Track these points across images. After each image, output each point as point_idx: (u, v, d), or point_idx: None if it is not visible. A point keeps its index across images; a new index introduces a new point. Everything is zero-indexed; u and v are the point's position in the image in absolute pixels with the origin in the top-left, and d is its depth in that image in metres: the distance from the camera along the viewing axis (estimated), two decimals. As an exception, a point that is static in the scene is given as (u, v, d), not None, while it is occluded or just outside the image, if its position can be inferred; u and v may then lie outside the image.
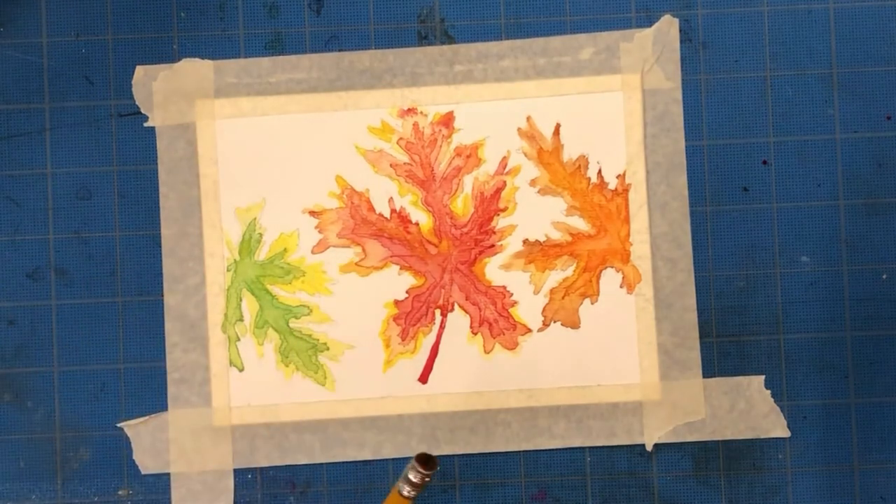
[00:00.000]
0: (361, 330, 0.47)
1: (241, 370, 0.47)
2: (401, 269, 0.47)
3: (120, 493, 0.47)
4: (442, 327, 0.47)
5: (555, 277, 0.47)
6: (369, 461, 0.47)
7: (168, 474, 0.47)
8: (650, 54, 0.47)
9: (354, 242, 0.48)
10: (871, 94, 0.48)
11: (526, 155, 0.48)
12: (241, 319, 0.47)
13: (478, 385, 0.47)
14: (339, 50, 0.48)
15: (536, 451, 0.47)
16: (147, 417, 0.47)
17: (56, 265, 0.48)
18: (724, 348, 0.47)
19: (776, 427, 0.47)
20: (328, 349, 0.47)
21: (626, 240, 0.47)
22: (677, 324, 0.47)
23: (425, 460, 0.40)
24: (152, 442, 0.47)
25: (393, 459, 0.47)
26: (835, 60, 0.48)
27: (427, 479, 0.40)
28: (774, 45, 0.48)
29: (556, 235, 0.47)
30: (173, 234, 0.47)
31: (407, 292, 0.47)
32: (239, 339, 0.47)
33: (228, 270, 0.47)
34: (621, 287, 0.47)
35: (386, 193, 0.48)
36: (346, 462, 0.47)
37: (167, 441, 0.47)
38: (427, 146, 0.48)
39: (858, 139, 0.48)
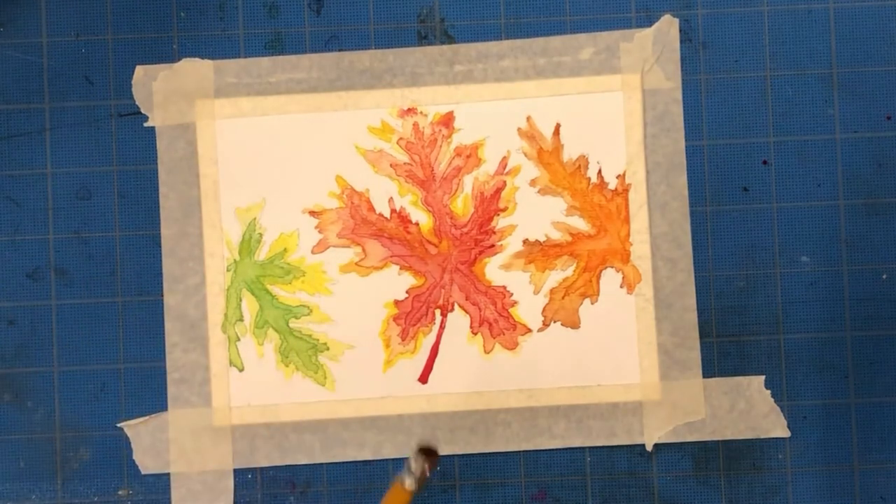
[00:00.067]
0: (361, 330, 0.47)
1: (241, 370, 0.47)
2: (401, 269, 0.47)
3: (120, 493, 0.47)
4: (442, 327, 0.47)
5: (555, 277, 0.47)
6: (369, 461, 0.47)
7: (168, 474, 0.47)
8: (650, 54, 0.47)
9: (354, 242, 0.48)
10: (871, 94, 0.48)
11: (526, 155, 0.48)
12: (241, 319, 0.47)
13: (478, 385, 0.47)
14: (339, 50, 0.48)
15: (536, 451, 0.47)
16: (147, 417, 0.47)
17: (56, 265, 0.48)
18: (724, 348, 0.47)
19: (776, 427, 0.47)
20: (328, 349, 0.47)
21: (626, 240, 0.47)
22: (677, 324, 0.47)
23: (427, 452, 0.40)
24: (152, 442, 0.47)
25: (393, 459, 0.47)
26: (835, 60, 0.48)
27: (429, 471, 0.40)
28: (774, 45, 0.48)
29: (556, 235, 0.47)
30: (173, 234, 0.47)
31: (407, 292, 0.47)
32: (239, 339, 0.47)
33: (228, 270, 0.47)
34: (621, 287, 0.47)
35: (386, 193, 0.48)
36: (346, 462, 0.47)
37: (167, 441, 0.47)
38: (427, 146, 0.48)
39: (858, 139, 0.48)
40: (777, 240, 0.48)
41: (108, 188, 0.48)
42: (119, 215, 0.48)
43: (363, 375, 0.47)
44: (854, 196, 0.48)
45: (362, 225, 0.48)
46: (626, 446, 0.47)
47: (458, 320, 0.47)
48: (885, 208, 0.48)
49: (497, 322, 0.47)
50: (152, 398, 0.47)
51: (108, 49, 0.48)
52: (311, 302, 0.47)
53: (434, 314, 0.47)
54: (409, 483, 0.40)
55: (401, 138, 0.48)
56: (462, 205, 0.48)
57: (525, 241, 0.47)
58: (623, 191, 0.47)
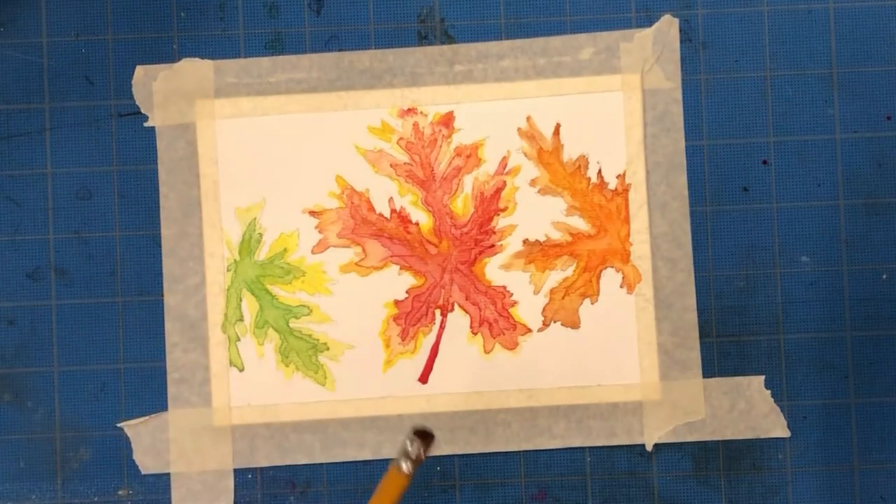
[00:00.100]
0: (361, 330, 0.47)
1: (241, 370, 0.47)
2: (401, 269, 0.47)
3: (120, 493, 0.47)
4: (442, 327, 0.47)
5: (555, 277, 0.47)
6: (369, 461, 0.47)
7: (168, 474, 0.47)
8: (650, 54, 0.47)
9: (354, 242, 0.48)
10: (871, 94, 0.48)
11: (526, 155, 0.48)
12: (241, 319, 0.47)
13: (478, 385, 0.47)
14: (339, 50, 0.48)
15: (536, 451, 0.47)
16: (147, 417, 0.47)
17: (56, 265, 0.48)
18: (724, 348, 0.47)
19: (776, 427, 0.47)
20: (328, 349, 0.47)
21: (626, 240, 0.47)
22: (677, 324, 0.47)
23: (422, 435, 0.40)
24: (152, 442, 0.47)
25: (393, 459, 0.47)
26: (835, 60, 0.48)
27: (425, 453, 0.40)
28: (774, 45, 0.48)
29: (556, 235, 0.47)
30: (173, 234, 0.47)
31: (407, 292, 0.47)
32: (239, 339, 0.47)
33: (228, 270, 0.47)
34: (621, 287, 0.47)
35: (386, 193, 0.48)
36: (346, 462, 0.47)
37: (167, 441, 0.47)
38: (427, 146, 0.48)
39: (858, 139, 0.48)
40: (777, 240, 0.48)
41: (108, 188, 0.48)
42: (119, 215, 0.48)
43: (363, 375, 0.47)
44: (854, 196, 0.48)
45: (362, 225, 0.48)
46: (626, 446, 0.47)
47: (458, 320, 0.47)
48: (885, 208, 0.48)
49: (497, 322, 0.47)
50: (152, 398, 0.47)
51: (108, 49, 0.48)
52: (311, 302, 0.47)
53: (434, 314, 0.47)
54: (405, 467, 0.40)
55: (401, 138, 0.48)
56: (462, 205, 0.48)
57: (525, 241, 0.47)
58: (623, 191, 0.47)
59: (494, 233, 0.47)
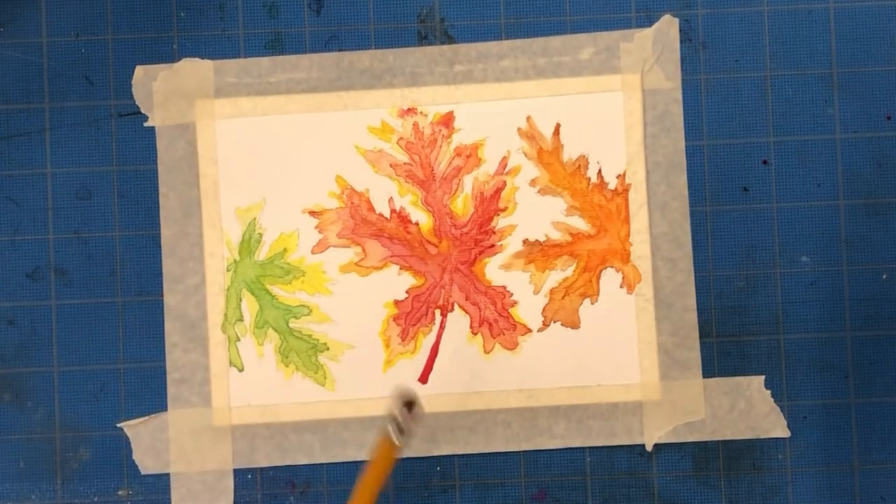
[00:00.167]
0: (361, 330, 0.47)
1: (241, 370, 0.47)
2: (401, 269, 0.47)
3: (120, 493, 0.47)
4: (442, 327, 0.47)
5: (555, 277, 0.47)
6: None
7: (168, 474, 0.47)
8: (650, 54, 0.47)
9: (354, 242, 0.48)
10: (871, 94, 0.48)
11: (526, 155, 0.48)
12: (241, 319, 0.47)
13: (478, 385, 0.47)
14: (339, 50, 0.48)
15: (536, 451, 0.47)
16: (147, 417, 0.47)
17: (56, 265, 0.48)
18: (724, 348, 0.47)
19: (776, 427, 0.47)
20: (328, 349, 0.47)
21: (626, 240, 0.47)
22: (677, 324, 0.47)
23: (409, 404, 0.39)
24: (152, 442, 0.47)
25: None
26: (835, 60, 0.48)
27: (414, 423, 0.39)
28: (774, 45, 0.48)
29: (556, 235, 0.47)
30: (173, 234, 0.47)
31: (407, 292, 0.47)
32: (239, 340, 0.47)
33: (228, 270, 0.47)
34: (621, 287, 0.47)
35: (386, 193, 0.48)
36: (346, 462, 0.47)
37: (167, 441, 0.47)
38: (427, 146, 0.48)
39: (858, 139, 0.48)
40: (777, 240, 0.48)
41: (108, 188, 0.48)
42: (119, 215, 0.48)
43: (363, 375, 0.47)
44: (854, 196, 0.48)
45: (362, 225, 0.48)
46: (626, 446, 0.47)
47: (458, 320, 0.47)
48: (885, 208, 0.48)
49: (497, 322, 0.47)
50: (152, 398, 0.47)
51: (108, 49, 0.48)
52: (311, 302, 0.47)
53: (434, 314, 0.47)
54: (396, 437, 0.39)
55: (401, 138, 0.48)
56: (462, 205, 0.48)
57: (525, 241, 0.47)
58: (623, 191, 0.47)
59: (494, 233, 0.47)
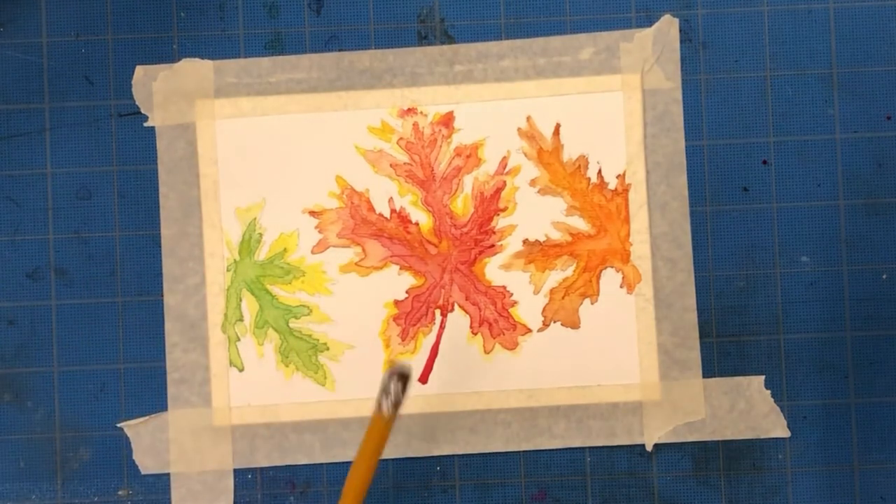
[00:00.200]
0: (361, 330, 0.47)
1: (241, 370, 0.47)
2: (401, 269, 0.47)
3: (120, 493, 0.47)
4: (442, 327, 0.47)
5: (555, 277, 0.47)
6: (369, 461, 0.47)
7: (168, 474, 0.47)
8: (650, 54, 0.47)
9: (354, 242, 0.48)
10: (871, 94, 0.48)
11: (526, 155, 0.48)
12: (241, 319, 0.47)
13: (478, 385, 0.47)
14: (339, 50, 0.48)
15: (536, 451, 0.47)
16: (147, 417, 0.47)
17: (56, 265, 0.48)
18: (724, 348, 0.47)
19: (776, 427, 0.47)
20: (328, 349, 0.47)
21: (626, 240, 0.47)
22: (677, 324, 0.47)
23: (400, 375, 0.39)
24: (152, 442, 0.47)
25: (393, 459, 0.47)
26: (835, 60, 0.48)
27: (404, 394, 0.39)
28: (774, 45, 0.48)
29: (556, 235, 0.47)
30: (173, 234, 0.47)
31: (407, 292, 0.47)
32: (239, 340, 0.47)
33: (228, 270, 0.47)
34: (621, 287, 0.47)
35: (386, 193, 0.48)
36: (346, 462, 0.47)
37: (167, 441, 0.47)
38: (427, 146, 0.48)
39: (858, 139, 0.48)
40: (777, 240, 0.48)
41: (108, 188, 0.48)
42: (119, 215, 0.48)
43: (363, 375, 0.47)
44: (854, 196, 0.48)
45: (362, 225, 0.48)
46: (626, 446, 0.47)
47: (458, 320, 0.47)
48: (885, 208, 0.48)
49: (497, 322, 0.47)
50: (152, 398, 0.47)
51: (108, 49, 0.48)
52: (310, 302, 0.47)
53: (434, 314, 0.47)
54: (386, 409, 0.39)
55: (401, 138, 0.48)
56: (462, 205, 0.48)
57: (525, 241, 0.47)
58: (623, 191, 0.47)
59: (494, 233, 0.47)
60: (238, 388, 0.47)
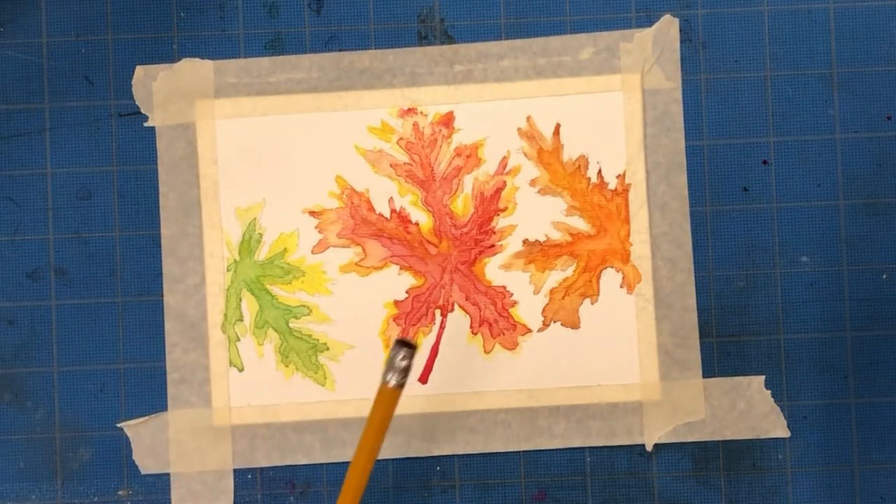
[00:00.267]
0: (361, 330, 0.47)
1: (241, 370, 0.47)
2: (401, 269, 0.47)
3: (120, 493, 0.47)
4: (442, 327, 0.47)
5: (555, 277, 0.47)
6: (369, 461, 0.47)
7: (168, 474, 0.47)
8: (650, 54, 0.47)
9: (354, 242, 0.48)
10: (871, 94, 0.48)
11: (526, 155, 0.48)
12: (240, 319, 0.47)
13: (478, 385, 0.47)
14: (339, 50, 0.48)
15: (536, 451, 0.47)
16: (147, 417, 0.47)
17: (56, 265, 0.48)
18: (724, 348, 0.47)
19: (776, 427, 0.47)
20: (328, 349, 0.47)
21: (626, 240, 0.47)
22: (677, 324, 0.47)
23: (406, 344, 0.39)
24: (152, 442, 0.47)
25: (393, 459, 0.47)
26: (835, 60, 0.48)
27: (410, 363, 0.39)
28: (774, 45, 0.48)
29: (556, 235, 0.47)
30: (173, 234, 0.47)
31: (407, 292, 0.47)
32: (239, 340, 0.47)
33: (228, 270, 0.47)
34: (621, 287, 0.47)
35: (386, 193, 0.48)
36: (346, 462, 0.47)
37: (167, 441, 0.47)
38: (427, 146, 0.48)
39: (858, 139, 0.48)
40: (777, 240, 0.48)
41: (108, 188, 0.48)
42: (119, 215, 0.48)
43: (363, 375, 0.47)
44: (854, 196, 0.48)
45: (362, 225, 0.48)
46: (626, 446, 0.47)
47: (458, 320, 0.47)
48: (885, 208, 0.48)
49: (497, 322, 0.47)
50: (152, 398, 0.47)
51: (108, 49, 0.48)
52: (310, 302, 0.47)
53: (434, 314, 0.47)
54: (392, 380, 0.39)
55: (401, 138, 0.48)
56: (462, 205, 0.48)
57: (525, 241, 0.47)
58: (623, 191, 0.47)
59: (494, 233, 0.47)
60: (238, 388, 0.47)
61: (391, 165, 0.48)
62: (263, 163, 0.48)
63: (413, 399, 0.47)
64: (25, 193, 0.48)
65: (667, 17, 0.48)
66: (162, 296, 0.47)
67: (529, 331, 0.47)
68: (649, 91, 0.47)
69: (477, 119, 0.48)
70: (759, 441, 0.47)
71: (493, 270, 0.47)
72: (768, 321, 0.47)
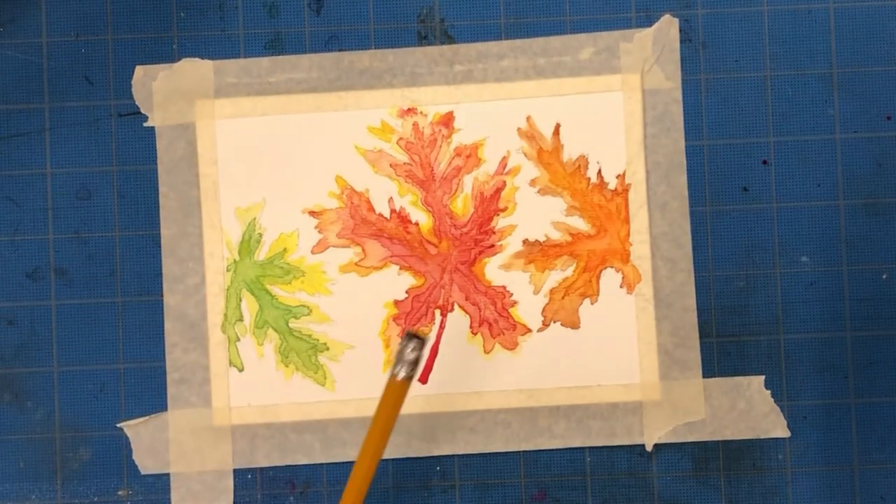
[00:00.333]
0: (361, 330, 0.47)
1: (241, 370, 0.47)
2: (401, 269, 0.47)
3: (120, 493, 0.47)
4: (442, 327, 0.47)
5: (555, 277, 0.47)
6: (369, 461, 0.47)
7: (168, 474, 0.47)
8: (650, 54, 0.47)
9: (354, 242, 0.48)
10: (871, 94, 0.48)
11: (526, 155, 0.48)
12: (240, 319, 0.47)
13: (478, 385, 0.47)
14: (339, 50, 0.48)
15: (536, 451, 0.47)
16: (147, 417, 0.47)
17: (56, 265, 0.48)
18: (724, 348, 0.47)
19: (776, 427, 0.47)
20: (328, 349, 0.47)
21: (625, 240, 0.47)
22: (677, 324, 0.47)
23: (415, 336, 0.39)
24: (152, 442, 0.47)
25: (393, 459, 0.47)
26: (835, 60, 0.48)
27: (420, 356, 0.39)
28: (774, 45, 0.48)
29: (556, 235, 0.47)
30: (173, 234, 0.47)
31: (407, 292, 0.47)
32: (239, 340, 0.47)
33: (228, 270, 0.47)
34: (621, 287, 0.47)
35: (386, 193, 0.48)
36: (346, 462, 0.47)
37: (167, 441, 0.47)
38: (427, 146, 0.48)
39: (858, 139, 0.48)
40: (777, 240, 0.48)
41: (108, 188, 0.48)
42: (119, 215, 0.48)
43: (363, 375, 0.47)
44: (854, 196, 0.48)
45: (362, 225, 0.48)
46: (626, 446, 0.47)
47: (458, 320, 0.47)
48: (885, 208, 0.48)
49: (497, 322, 0.47)
50: (152, 398, 0.47)
51: (108, 49, 0.48)
52: (310, 302, 0.47)
53: (434, 314, 0.47)
54: (401, 372, 0.39)
55: (401, 138, 0.48)
56: (462, 205, 0.48)
57: (525, 241, 0.47)
58: (623, 191, 0.47)
59: (494, 233, 0.47)
60: (238, 388, 0.47)
61: (391, 165, 0.48)
62: (263, 163, 0.48)
63: (413, 399, 0.47)
64: (25, 193, 0.48)
65: (667, 17, 0.48)
66: (162, 296, 0.47)
67: (529, 331, 0.47)
68: (649, 91, 0.47)
69: (477, 119, 0.48)
70: (759, 441, 0.47)
71: (493, 270, 0.47)
72: (768, 321, 0.47)
